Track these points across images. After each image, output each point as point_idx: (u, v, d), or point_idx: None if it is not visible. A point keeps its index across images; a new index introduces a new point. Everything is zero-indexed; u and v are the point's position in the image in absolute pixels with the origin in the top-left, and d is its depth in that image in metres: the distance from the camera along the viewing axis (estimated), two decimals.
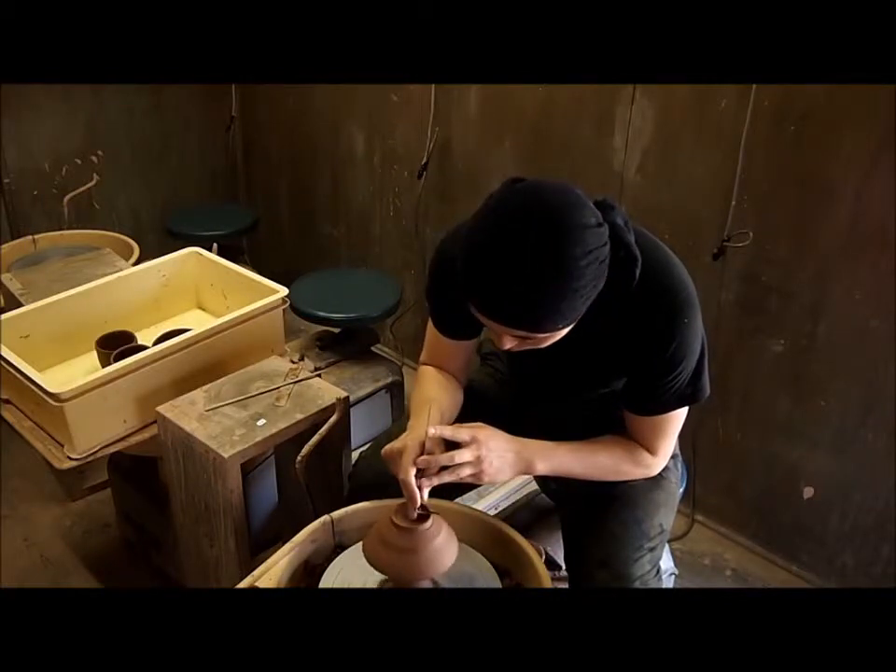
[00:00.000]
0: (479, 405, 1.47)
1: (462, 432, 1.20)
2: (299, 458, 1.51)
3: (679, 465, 1.47)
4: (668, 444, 1.29)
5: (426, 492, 1.17)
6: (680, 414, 1.27)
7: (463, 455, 1.17)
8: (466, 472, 1.17)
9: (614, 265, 1.07)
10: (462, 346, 1.41)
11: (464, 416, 1.46)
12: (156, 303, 1.94)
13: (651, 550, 1.33)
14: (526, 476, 1.77)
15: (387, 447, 1.24)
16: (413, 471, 1.16)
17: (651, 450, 1.29)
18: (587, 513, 1.33)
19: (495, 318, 1.07)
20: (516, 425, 1.47)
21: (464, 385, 1.45)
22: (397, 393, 2.31)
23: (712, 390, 1.26)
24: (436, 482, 1.17)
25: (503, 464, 1.21)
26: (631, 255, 1.09)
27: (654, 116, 1.96)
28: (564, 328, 1.09)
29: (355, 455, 1.64)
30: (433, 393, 1.36)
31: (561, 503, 1.51)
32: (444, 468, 1.17)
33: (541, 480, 1.62)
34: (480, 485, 1.22)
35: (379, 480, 1.40)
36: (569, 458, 1.27)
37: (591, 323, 1.12)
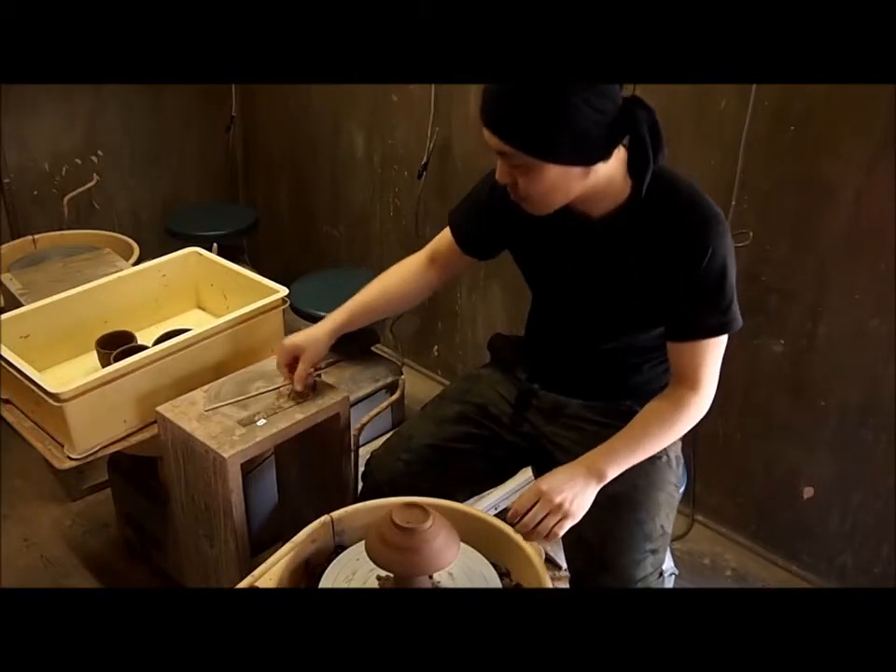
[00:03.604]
0: (483, 399, 1.52)
1: (525, 497, 1.25)
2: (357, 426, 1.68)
3: (680, 465, 1.47)
4: (709, 376, 1.30)
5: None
6: (719, 344, 1.29)
7: (539, 512, 1.23)
8: (554, 523, 1.23)
9: (631, 157, 1.18)
10: (458, 254, 1.50)
11: (466, 415, 1.49)
12: (156, 303, 1.94)
13: (654, 552, 1.32)
14: (527, 476, 1.78)
15: (288, 340, 1.51)
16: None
17: (693, 383, 1.30)
18: (588, 514, 1.33)
19: (483, 118, 1.16)
20: (521, 411, 1.49)
21: (440, 284, 1.57)
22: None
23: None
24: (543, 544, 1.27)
25: (577, 492, 1.24)
26: (642, 142, 1.16)
27: None
28: (537, 151, 1.14)
29: (362, 451, 1.66)
30: (373, 291, 1.54)
31: None
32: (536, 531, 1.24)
33: None
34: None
35: (392, 480, 1.46)
36: (628, 446, 1.30)
37: (617, 253, 1.22)
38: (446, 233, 1.51)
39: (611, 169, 1.21)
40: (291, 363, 1.52)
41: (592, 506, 1.32)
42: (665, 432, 1.31)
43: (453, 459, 1.49)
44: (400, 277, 1.55)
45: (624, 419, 1.35)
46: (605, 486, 1.29)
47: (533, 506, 1.23)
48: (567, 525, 1.23)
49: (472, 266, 1.57)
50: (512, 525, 1.26)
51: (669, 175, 1.25)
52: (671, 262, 1.23)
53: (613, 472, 1.28)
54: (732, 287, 1.25)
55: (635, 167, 1.20)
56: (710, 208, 1.24)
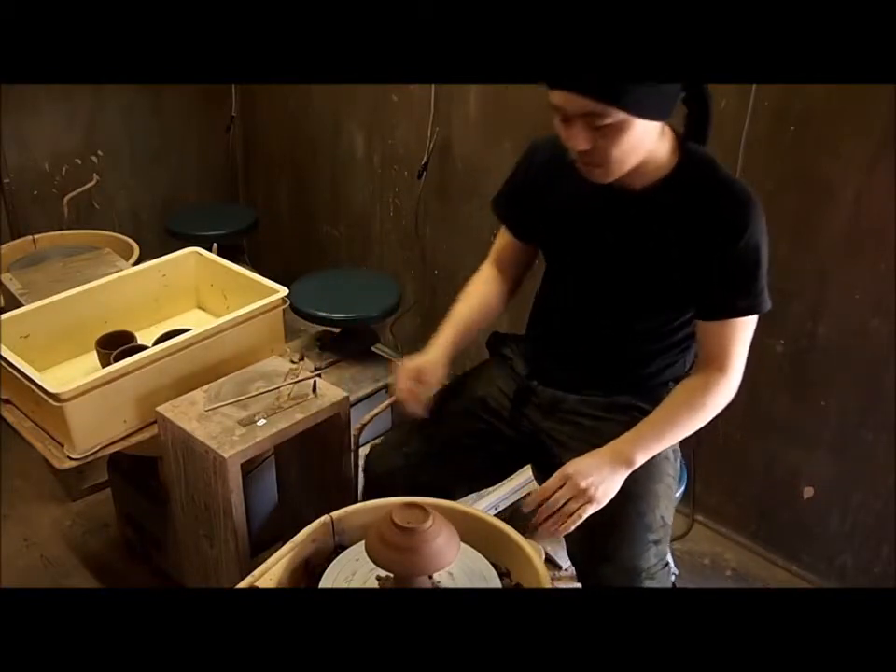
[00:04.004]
0: (483, 392, 1.53)
1: (551, 480, 1.26)
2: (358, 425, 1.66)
3: (678, 458, 1.47)
4: (738, 357, 1.31)
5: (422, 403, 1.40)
6: (748, 325, 1.30)
7: (564, 495, 1.23)
8: (578, 506, 1.23)
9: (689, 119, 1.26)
10: (518, 246, 1.51)
11: (465, 408, 1.49)
12: (156, 303, 1.94)
13: (657, 543, 1.33)
14: (526, 476, 1.78)
15: (410, 363, 1.42)
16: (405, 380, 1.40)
17: (722, 364, 1.30)
18: None
19: (565, 82, 1.15)
20: (520, 407, 1.49)
21: (512, 284, 1.56)
22: None
23: None
24: (562, 532, 1.25)
25: (605, 477, 1.25)
26: (704, 91, 1.22)
27: None
28: (633, 106, 1.14)
29: (362, 451, 1.66)
30: (464, 307, 1.51)
31: None
32: (559, 514, 1.24)
33: (541, 478, 1.62)
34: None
35: (392, 473, 1.47)
36: (656, 431, 1.30)
37: (657, 225, 1.24)
38: (500, 232, 1.53)
39: (658, 142, 1.25)
40: (410, 386, 1.44)
41: None
42: (693, 415, 1.31)
43: (452, 453, 1.49)
44: (482, 289, 1.54)
45: (623, 413, 1.35)
46: None
47: (558, 490, 1.24)
48: (590, 510, 1.23)
49: (531, 257, 1.55)
50: (537, 507, 1.26)
51: (708, 156, 1.29)
52: (708, 240, 1.25)
53: (642, 458, 1.28)
54: (765, 270, 1.27)
55: (695, 122, 1.25)
56: (747, 191, 1.27)
